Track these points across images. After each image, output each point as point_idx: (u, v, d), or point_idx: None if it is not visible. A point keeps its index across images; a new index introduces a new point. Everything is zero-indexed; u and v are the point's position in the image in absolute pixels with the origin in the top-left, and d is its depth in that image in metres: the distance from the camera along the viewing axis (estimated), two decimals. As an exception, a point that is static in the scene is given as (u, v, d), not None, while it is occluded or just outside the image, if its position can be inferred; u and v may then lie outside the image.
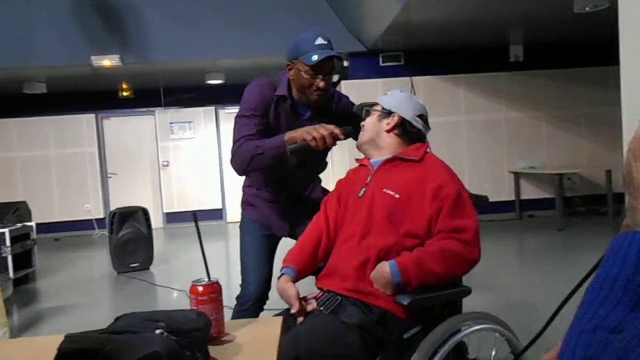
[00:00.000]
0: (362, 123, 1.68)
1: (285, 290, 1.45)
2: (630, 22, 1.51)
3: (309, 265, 1.55)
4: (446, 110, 6.57)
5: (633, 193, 0.52)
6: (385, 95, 1.69)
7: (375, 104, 1.67)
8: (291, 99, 1.87)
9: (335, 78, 1.94)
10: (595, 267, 0.52)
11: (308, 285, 1.56)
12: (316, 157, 1.95)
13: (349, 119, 1.93)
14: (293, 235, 1.98)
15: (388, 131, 1.60)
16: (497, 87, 6.74)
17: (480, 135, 6.72)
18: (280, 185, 1.99)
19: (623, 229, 0.52)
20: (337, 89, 2.12)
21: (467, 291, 1.50)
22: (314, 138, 1.65)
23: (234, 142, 1.82)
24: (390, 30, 5.38)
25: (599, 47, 5.49)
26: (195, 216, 1.10)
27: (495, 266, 4.36)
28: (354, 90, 6.26)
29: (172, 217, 8.24)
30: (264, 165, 1.81)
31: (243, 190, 2.09)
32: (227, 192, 8.23)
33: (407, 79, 6.47)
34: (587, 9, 4.60)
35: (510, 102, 6.77)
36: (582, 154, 6.77)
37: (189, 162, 8.32)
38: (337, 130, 1.67)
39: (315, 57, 1.71)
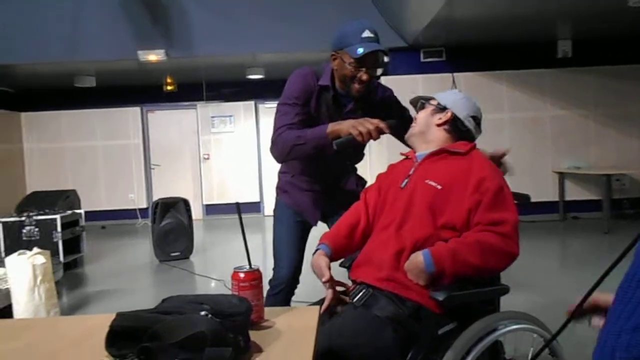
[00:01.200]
0: (415, 116, 1.68)
1: (317, 261, 1.46)
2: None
3: (345, 246, 1.55)
4: (489, 107, 6.39)
5: None
6: (444, 92, 1.69)
7: (432, 98, 1.66)
8: (334, 89, 1.87)
9: (378, 72, 1.92)
10: (620, 259, 0.51)
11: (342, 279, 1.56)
12: (356, 149, 1.95)
13: (392, 112, 1.92)
14: (326, 224, 2.00)
15: (439, 125, 1.60)
16: (542, 84, 6.53)
17: (523, 134, 6.53)
18: (316, 174, 2.00)
19: None
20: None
21: (505, 290, 1.47)
22: (360, 132, 1.65)
23: (275, 129, 1.84)
24: (432, 26, 5.30)
25: (654, 43, 5.23)
26: (239, 207, 1.13)
27: (537, 266, 4.25)
28: (394, 86, 6.17)
29: (211, 209, 8.44)
30: (304, 155, 1.82)
31: (278, 176, 2.12)
32: (265, 185, 8.36)
33: (449, 75, 6.36)
34: (642, 2, 4.39)
35: (556, 100, 6.54)
36: (631, 154, 6.47)
37: (229, 156, 8.48)
38: (382, 125, 1.67)
39: (361, 50, 1.71)
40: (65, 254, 4.64)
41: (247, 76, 7.54)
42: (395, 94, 2.04)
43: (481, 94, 6.37)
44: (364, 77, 1.76)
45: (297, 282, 2.03)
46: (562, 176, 6.52)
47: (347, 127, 1.69)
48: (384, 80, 6.55)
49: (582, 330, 0.88)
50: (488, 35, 5.93)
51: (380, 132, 1.68)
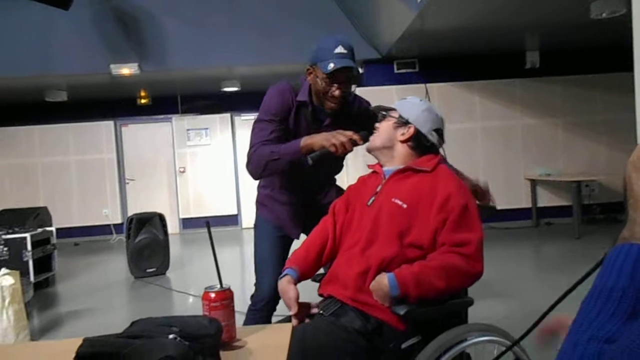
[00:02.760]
0: (377, 125, 1.64)
1: (287, 292, 1.47)
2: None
3: (313, 267, 1.56)
4: (461, 117, 6.54)
5: (633, 205, 0.52)
6: (405, 101, 1.65)
7: (393, 109, 1.63)
8: (312, 104, 1.88)
9: (353, 88, 1.94)
10: (591, 272, 0.53)
11: (310, 294, 1.57)
12: (333, 161, 1.97)
13: (368, 124, 1.94)
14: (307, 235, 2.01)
15: (402, 142, 1.58)
16: (513, 94, 6.69)
17: (496, 142, 6.67)
18: (295, 188, 2.00)
19: (620, 241, 0.52)
20: None
21: (469, 302, 1.49)
22: (334, 145, 1.66)
23: (251, 146, 1.84)
24: (405, 38, 5.39)
25: (616, 53, 5.42)
26: (209, 225, 1.13)
27: (511, 274, 4.32)
28: (369, 97, 6.24)
29: (188, 223, 8.34)
30: (279, 170, 1.83)
31: (258, 190, 2.11)
32: (243, 198, 8.31)
33: (422, 85, 6.47)
34: (604, 14, 4.55)
35: (526, 109, 6.71)
36: (600, 161, 6.66)
37: (205, 169, 8.41)
38: (355, 136, 1.68)
39: (331, 66, 1.72)
40: (36, 273, 4.51)
41: (223, 89, 7.52)
42: (371, 106, 2.06)
43: (454, 104, 6.50)
44: (336, 92, 1.78)
45: (279, 297, 2.02)
46: (534, 183, 6.67)
47: (320, 140, 1.70)
48: (359, 92, 6.64)
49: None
50: (459, 47, 6.07)
51: (354, 143, 1.70)
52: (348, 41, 1.79)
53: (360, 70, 6.40)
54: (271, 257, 1.99)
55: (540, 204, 6.71)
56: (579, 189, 5.92)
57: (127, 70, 5.90)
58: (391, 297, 1.36)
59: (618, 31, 3.85)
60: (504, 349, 1.43)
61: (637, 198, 0.52)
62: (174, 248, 5.80)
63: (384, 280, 1.37)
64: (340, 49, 1.75)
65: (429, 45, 5.91)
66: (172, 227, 7.54)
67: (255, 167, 1.82)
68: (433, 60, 6.49)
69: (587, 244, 5.45)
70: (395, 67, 6.50)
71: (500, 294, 3.62)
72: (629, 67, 1.65)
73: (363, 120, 1.95)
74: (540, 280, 4.41)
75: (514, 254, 5.26)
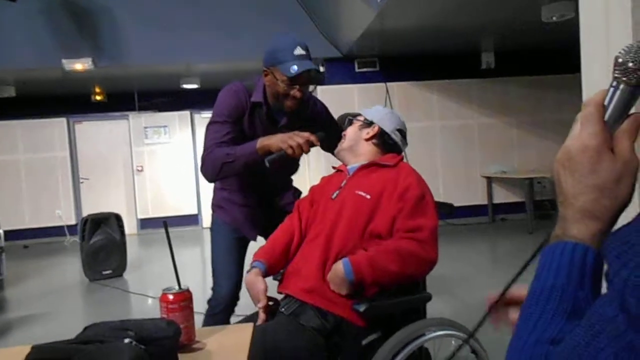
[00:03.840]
0: (344, 132, 1.72)
1: (255, 284, 1.46)
2: (589, 32, 1.58)
3: (280, 261, 1.56)
4: (421, 115, 6.67)
5: (563, 202, 0.53)
6: (370, 108, 1.75)
7: (358, 114, 1.72)
8: (267, 105, 1.85)
9: (311, 88, 1.93)
10: (531, 259, 0.53)
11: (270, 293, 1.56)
12: (290, 162, 1.96)
13: (324, 124, 1.95)
14: (264, 238, 1.99)
15: (367, 140, 1.65)
16: (470, 93, 6.88)
17: (454, 140, 6.84)
18: (252, 189, 1.98)
19: (553, 239, 0.53)
20: (313, 94, 2.14)
21: (427, 297, 1.53)
22: (291, 147, 1.65)
23: (205, 148, 1.81)
24: (365, 37, 5.44)
25: (566, 55, 5.66)
26: (166, 225, 1.10)
27: (468, 269, 4.44)
28: (330, 95, 6.29)
29: (146, 223, 8.12)
30: (235, 172, 1.80)
31: (214, 192, 2.08)
32: (203, 197, 8.16)
33: (383, 84, 6.55)
34: (554, 18, 4.74)
35: (482, 108, 6.92)
36: (551, 158, 6.84)
37: (164, 167, 8.22)
38: (312, 137, 1.67)
39: (295, 69, 1.70)
40: (-17, 278, 4.28)
41: (182, 85, 7.36)
42: (329, 105, 2.07)
43: (413, 103, 6.62)
44: (298, 94, 1.76)
45: (237, 299, 1.99)
46: (489, 180, 6.88)
47: (276, 142, 1.68)
48: (320, 90, 6.68)
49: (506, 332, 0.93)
50: (419, 47, 6.18)
51: (310, 144, 1.69)
52: (303, 40, 1.78)
53: (322, 69, 6.41)
54: (228, 260, 1.96)
55: (496, 200, 6.94)
56: (532, 186, 6.15)
57: (80, 65, 5.67)
58: (348, 283, 1.38)
59: (567, 34, 4.03)
60: (458, 341, 1.48)
61: (566, 195, 0.52)
62: (132, 249, 5.64)
63: (338, 266, 1.39)
64: (299, 50, 1.73)
65: (390, 44, 5.99)
66: (130, 227, 7.33)
67: (211, 169, 1.79)
68: (393, 60, 6.58)
69: (539, 238, 5.55)
70: (356, 65, 6.55)
71: (458, 288, 3.71)
72: (578, 69, 1.72)
73: (320, 120, 1.96)
74: (495, 274, 4.56)
75: (470, 250, 5.40)
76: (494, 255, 5.63)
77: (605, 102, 0.52)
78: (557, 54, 6.40)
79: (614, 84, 0.52)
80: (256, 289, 1.44)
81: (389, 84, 6.57)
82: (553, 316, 0.47)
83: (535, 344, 0.46)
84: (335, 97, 6.24)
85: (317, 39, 5.99)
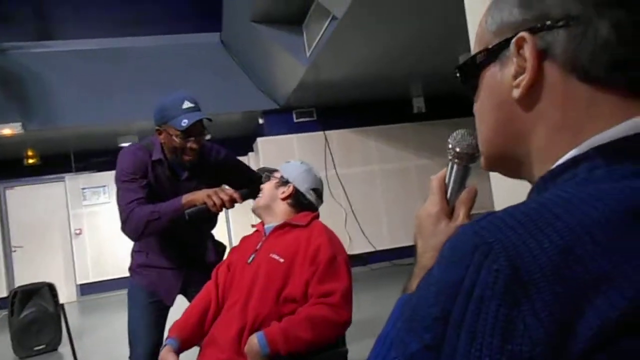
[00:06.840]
0: (262, 187, 1.74)
1: None
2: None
3: (195, 334, 1.54)
4: (360, 161, 6.86)
5: (415, 260, 0.61)
6: (288, 164, 1.78)
7: (276, 170, 1.75)
8: (167, 161, 1.89)
9: (207, 138, 1.99)
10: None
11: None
12: (208, 217, 1.97)
13: (231, 173, 1.99)
14: (187, 298, 1.96)
15: (282, 199, 1.68)
16: (405, 137, 7.17)
17: (394, 183, 7.04)
18: (172, 249, 1.97)
19: (401, 293, 0.59)
20: (254, 144, 2.20)
21: (343, 353, 1.53)
22: (214, 202, 1.68)
23: (123, 207, 1.80)
24: (300, 88, 5.62)
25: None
26: (63, 308, 1.07)
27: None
28: (271, 146, 6.40)
29: (87, 289, 7.71)
30: (160, 229, 1.80)
31: (131, 256, 2.06)
32: (147, 256, 7.88)
33: (321, 133, 6.72)
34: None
35: (418, 151, 7.21)
36: (484, 195, 7.12)
37: (105, 229, 7.89)
38: (235, 195, 1.72)
39: (185, 122, 1.75)
40: None
41: (120, 144, 7.23)
42: (271, 155, 2.12)
43: (352, 149, 6.82)
44: (194, 145, 1.81)
45: None
46: (432, 219, 7.08)
47: (201, 197, 1.72)
48: (260, 141, 6.73)
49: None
50: (353, 95, 6.44)
51: (233, 201, 1.73)
52: (191, 95, 1.84)
53: (260, 121, 6.52)
54: (145, 325, 1.92)
55: (439, 238, 7.11)
56: (471, 222, 6.37)
57: (9, 130, 5.50)
58: (263, 356, 1.37)
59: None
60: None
61: (418, 254, 0.63)
62: (71, 318, 5.21)
63: (253, 340, 1.39)
64: (187, 104, 1.79)
65: (325, 94, 6.21)
66: (69, 294, 6.94)
67: (135, 228, 1.78)
68: (330, 108, 6.80)
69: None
70: (294, 116, 6.71)
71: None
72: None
73: (224, 170, 1.99)
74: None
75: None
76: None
77: (446, 180, 0.65)
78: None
79: (450, 164, 0.65)
80: None
81: (327, 132, 6.75)
82: None
83: None
84: (275, 148, 6.34)
85: (254, 92, 6.13)
